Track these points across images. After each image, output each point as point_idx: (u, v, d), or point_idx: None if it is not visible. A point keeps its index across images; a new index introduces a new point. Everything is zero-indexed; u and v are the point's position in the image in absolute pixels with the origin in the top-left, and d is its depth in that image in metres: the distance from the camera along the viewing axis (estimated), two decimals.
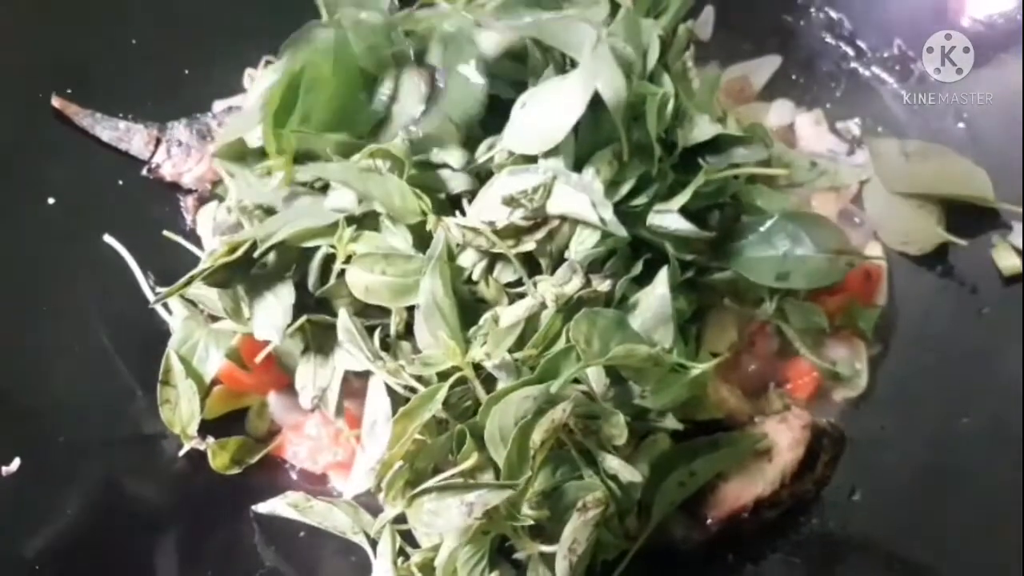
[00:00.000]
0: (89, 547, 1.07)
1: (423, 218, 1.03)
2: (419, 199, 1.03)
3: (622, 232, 1.00)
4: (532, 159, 1.03)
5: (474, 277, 1.04)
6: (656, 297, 1.02)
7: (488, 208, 1.02)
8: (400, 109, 1.06)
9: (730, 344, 1.17)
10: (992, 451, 1.09)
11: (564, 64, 1.07)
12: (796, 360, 1.20)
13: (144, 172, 1.30)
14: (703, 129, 1.08)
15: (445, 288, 0.98)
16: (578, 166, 1.03)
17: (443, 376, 0.97)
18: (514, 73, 1.09)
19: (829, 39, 1.37)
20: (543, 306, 0.98)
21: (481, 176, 1.07)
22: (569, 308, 0.98)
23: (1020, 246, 1.16)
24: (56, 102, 1.27)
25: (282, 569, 1.12)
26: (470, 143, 1.08)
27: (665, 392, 1.00)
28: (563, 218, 1.01)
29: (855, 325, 1.21)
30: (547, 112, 1.00)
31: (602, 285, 0.99)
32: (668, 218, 1.05)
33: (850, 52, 1.35)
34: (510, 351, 0.97)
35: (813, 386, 1.20)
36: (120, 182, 1.30)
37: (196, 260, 1.19)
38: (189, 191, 1.31)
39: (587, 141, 1.03)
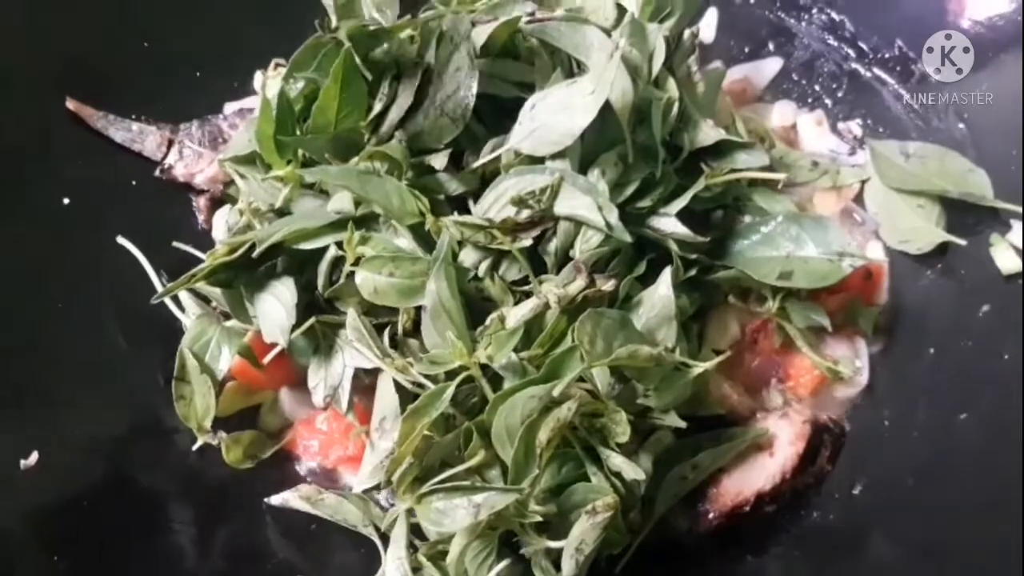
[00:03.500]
0: (104, 539, 1.10)
1: (422, 219, 1.04)
2: (417, 200, 1.04)
3: (626, 237, 1.02)
4: (538, 160, 1.04)
5: (480, 274, 1.06)
6: (659, 297, 1.03)
7: (493, 207, 1.04)
8: (396, 107, 1.07)
9: (732, 341, 1.19)
10: (990, 446, 1.10)
11: (570, 66, 1.08)
12: (798, 357, 1.21)
13: (157, 173, 1.33)
14: (706, 134, 1.11)
15: (451, 289, 0.99)
16: (583, 168, 1.05)
17: (451, 375, 0.99)
18: (515, 74, 1.10)
19: (831, 40, 1.37)
20: (547, 306, 1.00)
21: (485, 177, 1.09)
22: (574, 307, 0.99)
23: (1019, 245, 1.16)
24: (71, 104, 1.29)
25: (293, 561, 1.14)
26: (475, 144, 1.09)
27: (668, 391, 1.02)
28: (568, 219, 1.03)
29: (856, 323, 1.23)
30: (557, 115, 1.01)
31: (606, 285, 1.01)
32: (665, 221, 1.07)
33: (851, 53, 1.36)
34: (516, 350, 0.99)
35: (814, 383, 1.21)
36: (133, 182, 1.32)
37: None
38: (201, 192, 1.33)
39: (592, 143, 1.04)
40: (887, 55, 1.32)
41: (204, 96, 1.37)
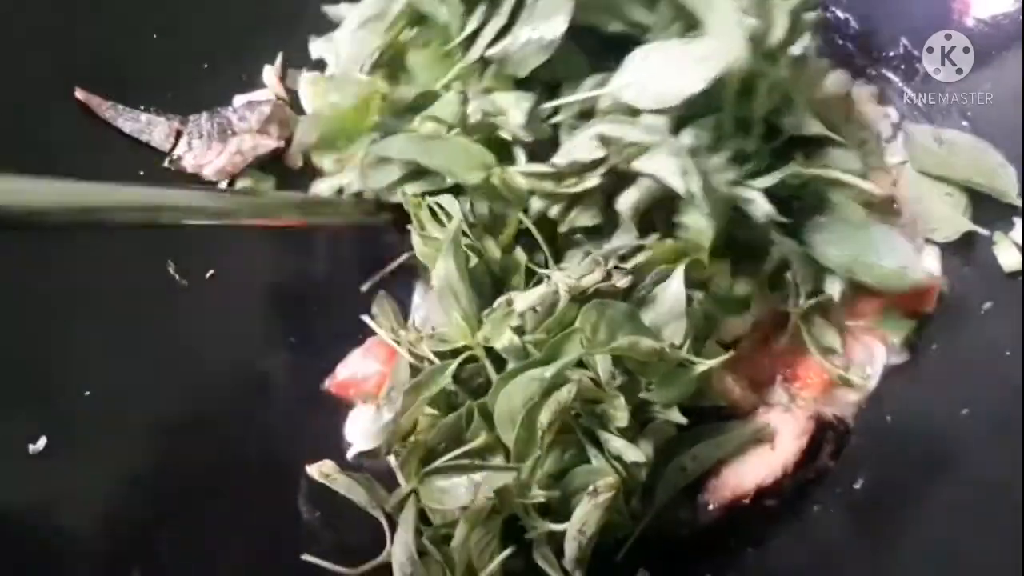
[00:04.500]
0: (113, 523, 1.11)
1: (487, 173, 1.03)
2: (484, 153, 1.03)
3: (705, 208, 0.98)
4: (634, 112, 1.02)
5: (552, 216, 1.05)
6: (671, 293, 1.02)
7: (577, 149, 1.02)
8: (490, 27, 1.05)
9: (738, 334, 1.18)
10: (992, 442, 1.09)
11: (688, 21, 1.03)
12: (808, 358, 1.20)
13: (165, 164, 1.33)
14: (809, 124, 1.09)
15: (460, 270, 0.99)
16: (676, 128, 1.02)
17: (456, 353, 1.00)
18: (628, 10, 1.05)
19: (836, 39, 1.37)
20: (557, 295, 1.00)
21: (557, 128, 1.07)
22: (586, 298, 0.99)
23: (1021, 242, 1.15)
24: (79, 94, 1.29)
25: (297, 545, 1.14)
26: (574, 77, 1.06)
27: (671, 387, 1.02)
28: (649, 176, 1.00)
29: (883, 330, 1.21)
30: (667, 72, 0.98)
31: (621, 281, 1.01)
32: (753, 195, 1.04)
33: (856, 51, 1.36)
34: (523, 334, 0.99)
35: (822, 385, 1.20)
36: (141, 173, 1.32)
37: None
38: (210, 183, 1.33)
39: (689, 105, 1.00)
40: (891, 54, 1.33)
41: (213, 88, 1.37)
